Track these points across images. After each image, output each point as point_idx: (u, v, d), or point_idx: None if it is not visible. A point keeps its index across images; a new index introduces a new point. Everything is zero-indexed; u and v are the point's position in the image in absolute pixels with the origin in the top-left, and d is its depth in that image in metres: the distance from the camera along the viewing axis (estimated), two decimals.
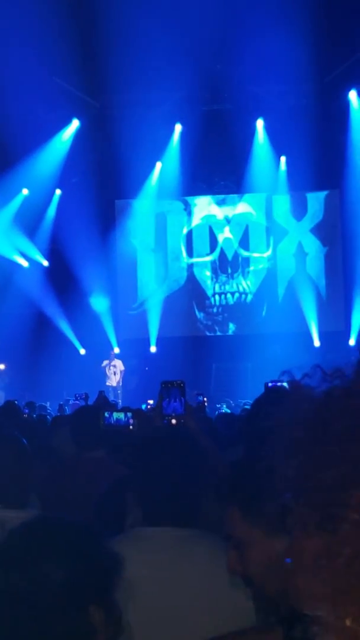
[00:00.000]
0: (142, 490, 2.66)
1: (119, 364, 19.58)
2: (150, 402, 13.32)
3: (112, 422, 4.31)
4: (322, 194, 20.48)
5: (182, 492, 2.45)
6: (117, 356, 19.84)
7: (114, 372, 19.44)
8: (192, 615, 2.37)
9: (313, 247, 20.50)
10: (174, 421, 3.37)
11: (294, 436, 1.24)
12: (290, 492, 1.24)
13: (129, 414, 4.25)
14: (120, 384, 19.39)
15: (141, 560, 2.48)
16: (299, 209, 20.58)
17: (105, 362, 19.53)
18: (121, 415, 4.31)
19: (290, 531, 1.24)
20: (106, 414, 4.36)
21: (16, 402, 10.19)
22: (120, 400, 17.49)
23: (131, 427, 4.16)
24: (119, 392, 19.05)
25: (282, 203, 20.64)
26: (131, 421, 4.17)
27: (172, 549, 2.45)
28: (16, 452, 3.57)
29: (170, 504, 2.53)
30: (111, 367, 19.46)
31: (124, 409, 5.45)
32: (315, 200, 20.57)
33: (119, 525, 3.04)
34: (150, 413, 4.52)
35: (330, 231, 20.40)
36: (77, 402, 12.38)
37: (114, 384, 19.25)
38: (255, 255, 20.74)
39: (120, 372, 19.50)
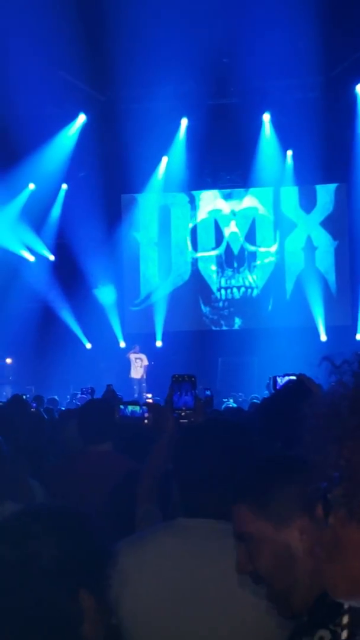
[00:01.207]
0: (184, 481, 2.65)
1: (144, 358, 19.63)
2: (149, 395, 13.33)
3: (127, 414, 4.31)
4: (332, 186, 20.38)
5: (226, 484, 2.45)
6: (140, 350, 19.86)
7: (139, 365, 19.50)
8: (231, 608, 2.39)
9: (323, 240, 20.42)
10: (184, 414, 3.38)
11: (331, 427, 1.25)
12: (327, 482, 1.25)
13: (145, 408, 4.24)
14: (144, 377, 19.42)
15: (183, 551, 2.50)
16: (308, 202, 20.51)
17: (131, 355, 19.60)
18: (137, 408, 4.30)
19: (325, 521, 1.25)
20: (121, 406, 4.35)
21: (25, 396, 10.22)
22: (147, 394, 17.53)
23: (146, 420, 4.16)
24: (143, 384, 19.11)
25: (291, 195, 20.60)
26: (146, 414, 4.16)
27: (214, 541, 2.47)
28: None
29: (214, 496, 2.54)
30: (137, 360, 19.53)
31: (134, 402, 5.45)
32: (325, 192, 20.49)
33: (130, 519, 3.06)
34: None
35: (341, 224, 20.33)
36: (84, 396, 12.43)
37: (138, 377, 19.30)
38: (262, 249, 20.72)
39: (144, 366, 19.53)
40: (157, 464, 3.34)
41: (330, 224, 20.41)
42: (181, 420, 3.37)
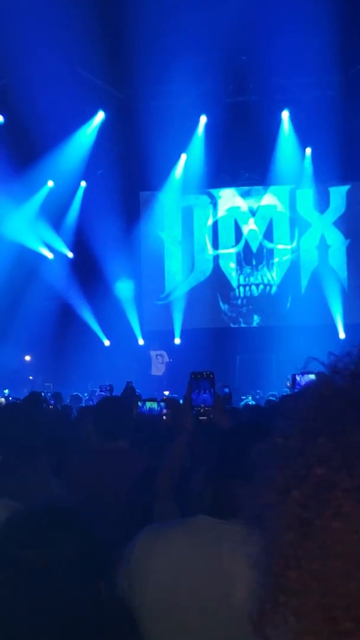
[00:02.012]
0: (215, 482, 2.65)
1: (165, 355, 19.63)
2: (166, 393, 13.28)
3: (145, 411, 4.31)
4: (344, 188, 20.41)
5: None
6: (160, 347, 19.84)
7: (161, 362, 19.49)
8: (226, 611, 2.39)
9: (336, 239, 20.44)
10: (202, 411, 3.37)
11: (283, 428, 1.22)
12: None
13: (162, 404, 4.23)
14: (165, 373, 19.37)
15: (191, 548, 2.52)
16: (322, 203, 20.50)
17: (153, 352, 19.60)
18: (154, 405, 4.30)
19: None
20: (139, 403, 4.35)
21: (43, 393, 10.24)
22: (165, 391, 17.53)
23: (164, 417, 4.15)
24: (163, 382, 19.09)
25: (306, 197, 20.60)
26: (164, 411, 4.16)
27: (224, 543, 2.47)
28: None
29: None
30: (158, 357, 19.53)
31: (152, 399, 5.43)
32: (338, 194, 20.49)
33: (148, 516, 3.06)
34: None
35: (352, 224, 20.31)
36: (102, 393, 12.45)
37: (160, 374, 19.26)
38: (280, 247, 20.69)
39: (166, 363, 19.52)
40: (176, 462, 3.34)
41: (342, 223, 20.49)
42: (200, 417, 3.37)
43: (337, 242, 20.48)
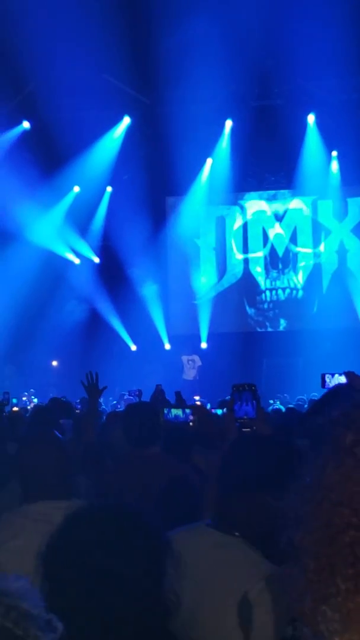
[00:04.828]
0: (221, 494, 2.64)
1: (196, 359, 19.60)
2: (197, 398, 13.23)
3: (171, 418, 4.27)
4: None
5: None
6: (195, 352, 19.82)
7: (192, 367, 19.46)
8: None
9: (353, 245, 20.38)
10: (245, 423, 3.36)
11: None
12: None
13: (188, 411, 4.20)
14: (197, 378, 19.33)
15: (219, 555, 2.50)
16: (341, 212, 20.43)
17: (185, 357, 19.59)
18: (179, 412, 4.26)
19: None
20: (165, 410, 4.32)
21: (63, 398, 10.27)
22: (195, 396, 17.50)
23: (191, 423, 4.12)
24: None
25: (326, 206, 20.54)
26: (191, 417, 4.13)
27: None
28: (55, 449, 3.56)
29: None
30: (190, 362, 19.50)
31: (175, 405, 5.39)
32: (355, 204, 20.41)
33: (182, 521, 3.04)
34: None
35: None
36: (131, 397, 12.46)
37: (191, 378, 19.20)
38: (306, 250, 20.61)
39: (198, 367, 19.48)
40: None
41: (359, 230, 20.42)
42: (243, 429, 3.35)
43: (354, 247, 20.38)
